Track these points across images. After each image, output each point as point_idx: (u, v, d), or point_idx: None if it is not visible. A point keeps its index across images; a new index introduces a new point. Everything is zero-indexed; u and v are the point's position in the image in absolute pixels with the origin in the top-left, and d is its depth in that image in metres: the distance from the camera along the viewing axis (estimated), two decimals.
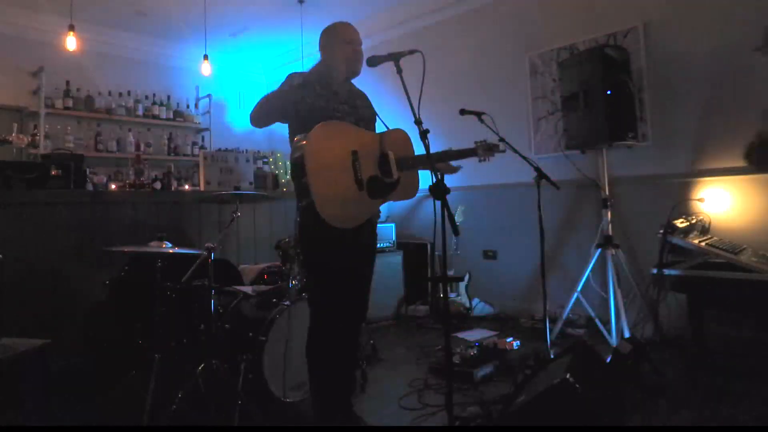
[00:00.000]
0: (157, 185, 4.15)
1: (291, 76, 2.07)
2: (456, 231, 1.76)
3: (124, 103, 5.40)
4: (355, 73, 2.21)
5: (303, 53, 5.45)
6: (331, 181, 1.88)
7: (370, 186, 1.98)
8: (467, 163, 2.31)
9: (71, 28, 4.10)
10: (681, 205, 3.13)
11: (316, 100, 2.03)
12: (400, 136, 2.18)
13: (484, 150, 2.24)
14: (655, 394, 2.38)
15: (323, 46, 2.19)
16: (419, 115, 1.78)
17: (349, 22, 2.20)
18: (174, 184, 4.14)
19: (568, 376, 1.93)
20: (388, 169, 2.04)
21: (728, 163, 3.13)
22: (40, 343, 2.05)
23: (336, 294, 2.02)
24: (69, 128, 4.99)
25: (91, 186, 3.60)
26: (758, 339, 2.56)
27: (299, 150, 1.87)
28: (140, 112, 5.50)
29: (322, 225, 1.85)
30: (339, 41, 2.14)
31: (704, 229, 3.07)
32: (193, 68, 5.53)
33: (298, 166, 1.87)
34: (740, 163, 3.08)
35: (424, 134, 1.77)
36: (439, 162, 2.13)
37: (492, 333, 3.61)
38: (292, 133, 2.08)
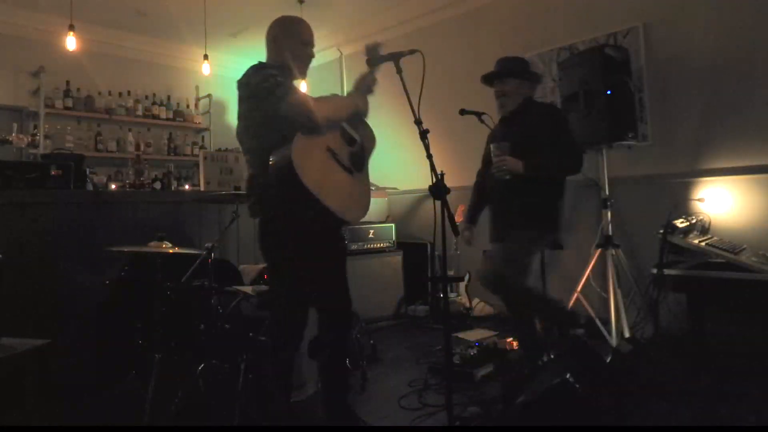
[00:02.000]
0: (157, 185, 4.16)
1: (270, 66, 2.00)
2: (456, 231, 1.76)
3: (124, 103, 5.39)
4: (305, 76, 2.14)
5: None
6: (331, 184, 1.88)
7: (354, 162, 2.03)
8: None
9: (71, 28, 4.10)
10: (681, 205, 3.13)
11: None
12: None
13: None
14: (655, 394, 2.37)
15: (276, 39, 2.07)
16: (419, 115, 1.78)
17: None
18: (174, 184, 4.15)
19: (568, 376, 1.93)
20: (350, 135, 2.06)
21: (728, 163, 3.13)
22: (40, 343, 2.05)
23: (302, 296, 2.01)
24: (69, 128, 4.99)
25: (91, 186, 3.60)
26: (758, 339, 2.56)
27: (285, 166, 1.79)
28: (140, 112, 5.50)
29: (296, 228, 1.88)
30: (297, 42, 2.06)
31: (704, 229, 3.06)
32: (193, 68, 5.53)
33: (288, 182, 1.78)
34: (740, 163, 3.08)
35: (424, 134, 1.77)
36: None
37: (492, 333, 3.61)
38: (252, 139, 1.99)
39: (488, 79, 2.78)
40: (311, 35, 2.11)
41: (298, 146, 1.79)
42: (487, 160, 2.74)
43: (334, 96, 2.16)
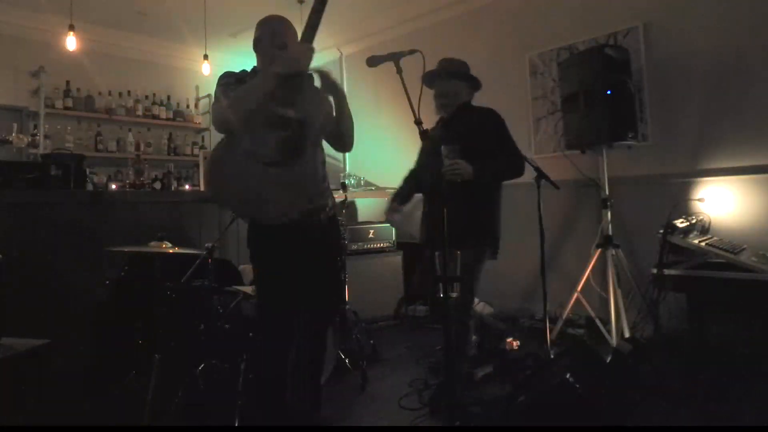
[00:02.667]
0: (157, 185, 4.16)
1: (226, 76, 2.00)
2: None
3: (124, 103, 5.40)
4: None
5: None
6: (245, 190, 1.84)
7: (284, 150, 1.84)
8: None
9: (71, 28, 4.10)
10: (681, 205, 3.13)
11: None
12: None
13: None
14: (655, 394, 2.38)
15: (256, 44, 2.10)
16: (419, 115, 1.78)
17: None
18: (174, 184, 4.15)
19: (568, 376, 1.93)
20: (279, 117, 1.86)
21: (728, 163, 3.13)
22: (40, 343, 2.05)
23: (281, 295, 1.98)
24: (69, 128, 4.98)
25: (91, 186, 3.60)
26: (758, 339, 2.57)
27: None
28: (140, 112, 5.50)
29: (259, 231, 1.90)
30: (270, 45, 2.03)
31: (704, 229, 3.07)
32: (193, 68, 5.52)
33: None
34: (740, 163, 3.08)
35: (424, 134, 1.77)
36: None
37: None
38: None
39: (429, 79, 2.67)
40: (285, 36, 2.05)
41: (212, 171, 1.85)
42: (423, 161, 2.70)
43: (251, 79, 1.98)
